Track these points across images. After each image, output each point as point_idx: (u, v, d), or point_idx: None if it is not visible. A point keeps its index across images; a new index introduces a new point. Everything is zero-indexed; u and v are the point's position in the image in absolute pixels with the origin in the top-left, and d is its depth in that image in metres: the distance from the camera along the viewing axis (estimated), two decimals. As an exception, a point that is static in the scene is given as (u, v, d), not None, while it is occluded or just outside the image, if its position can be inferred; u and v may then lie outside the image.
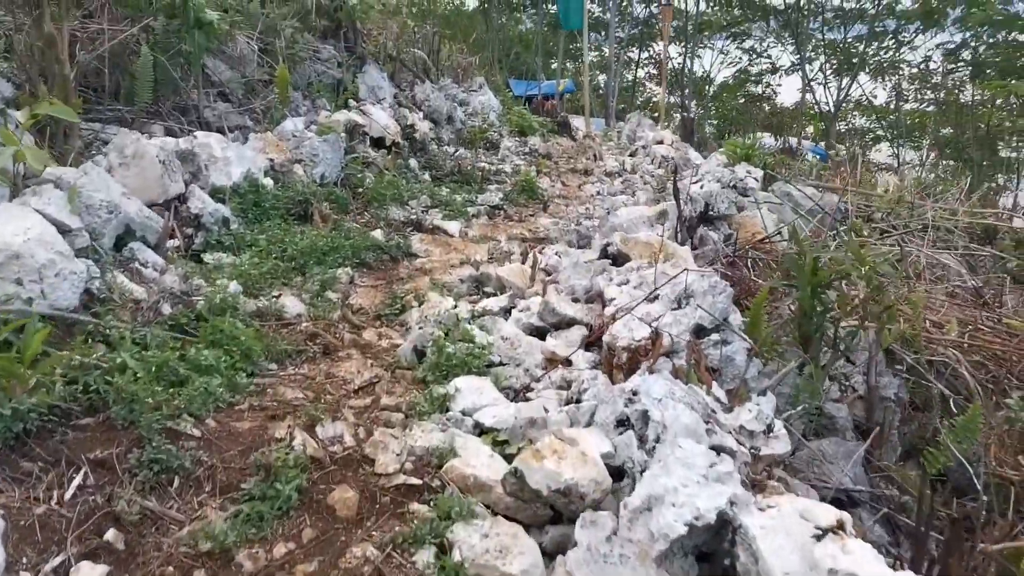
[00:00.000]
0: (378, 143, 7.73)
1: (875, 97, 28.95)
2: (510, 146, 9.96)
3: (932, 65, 26.57)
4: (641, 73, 33.33)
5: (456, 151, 8.99)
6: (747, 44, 28.68)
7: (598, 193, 8.43)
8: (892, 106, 29.28)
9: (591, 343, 3.82)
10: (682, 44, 29.61)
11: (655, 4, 27.55)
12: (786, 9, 25.13)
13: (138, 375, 2.89)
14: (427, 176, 7.97)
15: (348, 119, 7.28)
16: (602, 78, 30.28)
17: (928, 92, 28.84)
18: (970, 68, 26.19)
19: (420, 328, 3.94)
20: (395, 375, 3.55)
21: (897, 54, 25.69)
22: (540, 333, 3.93)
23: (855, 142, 33.10)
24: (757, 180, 7.20)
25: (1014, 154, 29.62)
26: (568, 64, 30.94)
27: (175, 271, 4.05)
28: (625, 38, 28.98)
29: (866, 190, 8.99)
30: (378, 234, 5.67)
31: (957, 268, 7.42)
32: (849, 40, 25.31)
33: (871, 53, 25.82)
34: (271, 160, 5.99)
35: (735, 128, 38.31)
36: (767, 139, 28.26)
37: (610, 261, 4.49)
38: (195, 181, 5.10)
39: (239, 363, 3.34)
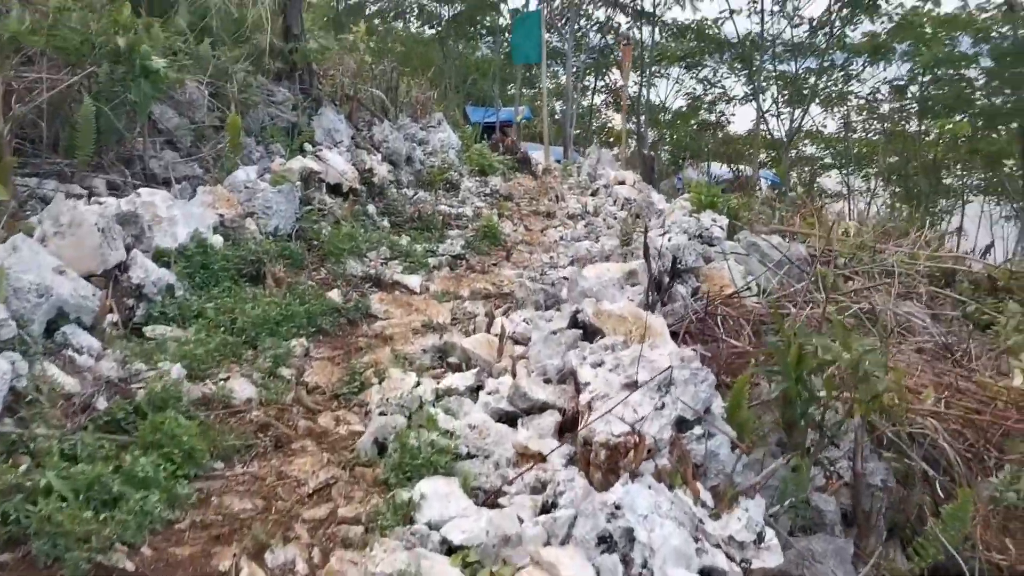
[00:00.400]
0: (335, 189, 7.42)
1: (825, 127, 29.32)
2: (471, 187, 9.70)
3: (880, 97, 27.03)
4: (597, 100, 33.48)
5: (415, 194, 8.72)
6: (701, 74, 28.86)
7: (561, 238, 8.21)
8: (841, 135, 29.75)
9: (565, 429, 3.57)
10: (638, 73, 29.75)
11: (611, 35, 27.63)
12: (739, 42, 25.33)
13: (65, 499, 2.56)
14: (386, 222, 7.67)
15: (303, 166, 6.97)
16: (558, 104, 30.30)
17: (875, 123, 29.37)
18: (916, 102, 26.74)
19: (380, 413, 3.65)
20: (354, 474, 3.25)
21: (846, 87, 26.04)
22: (510, 418, 3.66)
23: (806, 169, 33.57)
24: (723, 229, 7.04)
25: (958, 182, 30.41)
26: (524, 90, 30.89)
27: (113, 355, 3.71)
28: (581, 66, 28.98)
29: (827, 234, 8.90)
30: (335, 295, 5.36)
31: (922, 321, 7.32)
32: (800, 73, 25.56)
33: (821, 86, 26.14)
34: (221, 216, 5.65)
35: (690, 155, 38.71)
36: (723, 169, 28.53)
37: (581, 331, 4.24)
38: (138, 244, 4.76)
39: (181, 468, 3.01)
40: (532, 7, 25.80)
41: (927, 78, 24.79)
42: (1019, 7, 17.68)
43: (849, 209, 32.08)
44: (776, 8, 23.95)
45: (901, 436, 4.14)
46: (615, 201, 9.64)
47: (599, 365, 3.62)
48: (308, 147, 7.73)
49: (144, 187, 5.53)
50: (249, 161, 7.06)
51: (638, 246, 7.19)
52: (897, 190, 33.22)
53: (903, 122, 28.97)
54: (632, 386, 3.40)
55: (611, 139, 43.06)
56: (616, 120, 38.26)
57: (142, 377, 3.61)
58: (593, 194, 10.58)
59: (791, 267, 6.86)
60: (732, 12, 24.29)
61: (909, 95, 26.75)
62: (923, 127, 26.29)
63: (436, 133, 11.17)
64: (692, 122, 32.97)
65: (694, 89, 30.64)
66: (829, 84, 26.27)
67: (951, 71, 20.48)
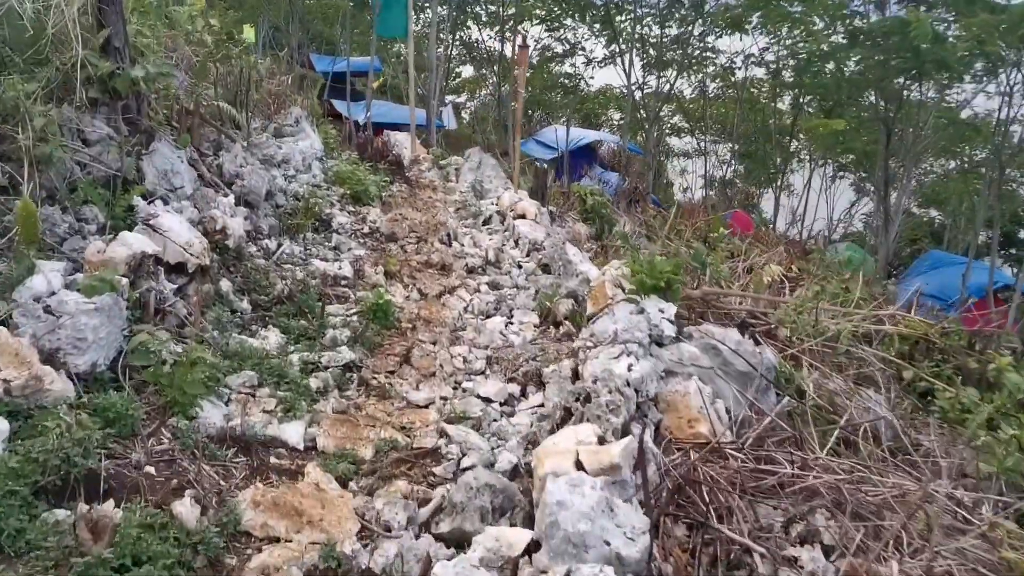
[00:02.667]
0: (178, 268, 5.49)
1: (682, 93, 28.65)
2: (344, 224, 7.86)
3: (735, 65, 26.59)
4: (453, 52, 31.44)
5: (279, 248, 6.85)
6: (561, 35, 27.38)
7: (466, 310, 6.61)
8: (698, 100, 29.33)
9: None
10: (496, 30, 28.01)
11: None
12: (603, 5, 23.95)
13: None
14: (247, 304, 5.83)
15: (131, 254, 4.98)
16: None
17: (730, 90, 29.06)
18: (770, 74, 26.48)
19: None
20: None
21: (704, 55, 25.37)
22: None
23: (658, 129, 33.04)
24: (672, 323, 5.70)
25: (803, 149, 30.96)
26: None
27: None
28: (441, 19, 26.74)
29: (762, 295, 7.78)
30: (185, 507, 3.57)
31: (884, 415, 6.33)
32: (663, 39, 24.51)
33: (683, 53, 25.30)
34: (5, 383, 3.71)
35: (542, 111, 37.49)
36: (582, 132, 27.48)
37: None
38: None
39: None
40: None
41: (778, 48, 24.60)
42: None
43: (706, 172, 32.32)
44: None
45: None
46: (516, 242, 8.07)
47: None
48: (139, 203, 5.71)
49: None
50: (54, 239, 5.03)
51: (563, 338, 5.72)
52: (738, 148, 33.55)
53: (754, 89, 28.82)
54: None
55: (460, 88, 41.27)
56: (467, 71, 36.30)
57: None
58: (485, 222, 8.97)
59: (759, 378, 5.60)
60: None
61: (764, 66, 26.45)
62: (781, 98, 26.30)
63: (297, 141, 9.18)
64: (545, 75, 31.35)
65: (551, 49, 29.20)
66: (689, 52, 25.40)
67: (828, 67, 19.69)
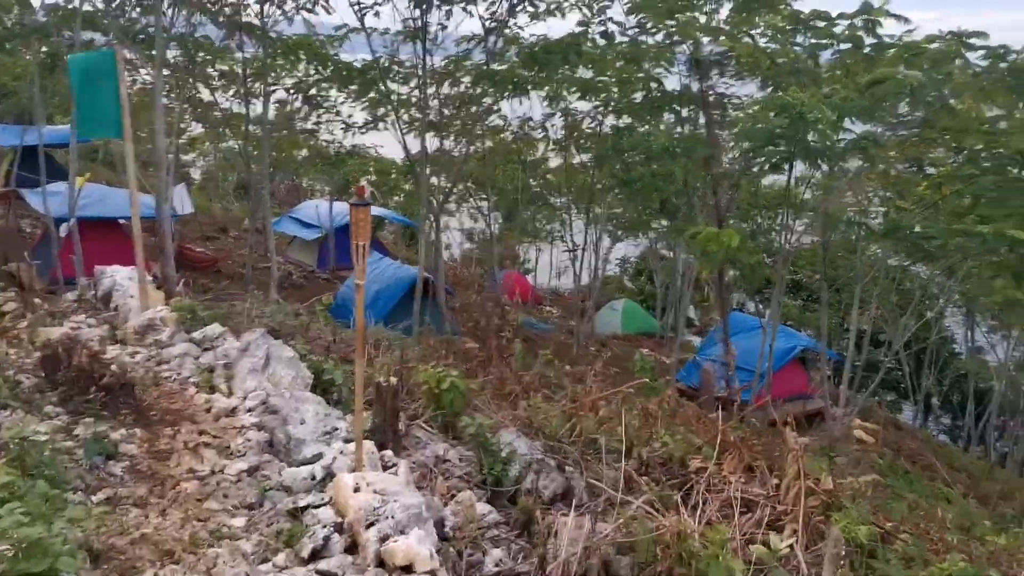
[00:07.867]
0: None
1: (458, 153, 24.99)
2: None
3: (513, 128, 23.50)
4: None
5: None
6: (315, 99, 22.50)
7: None
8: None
9: None
10: (233, 92, 22.63)
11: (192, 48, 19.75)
12: (365, 67, 19.52)
13: None
14: None
15: None
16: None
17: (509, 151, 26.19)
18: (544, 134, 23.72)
19: None
20: None
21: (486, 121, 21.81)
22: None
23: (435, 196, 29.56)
24: None
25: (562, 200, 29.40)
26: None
27: None
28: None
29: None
30: None
31: None
32: (430, 99, 20.39)
33: (456, 116, 21.61)
34: None
35: (288, 171, 32.90)
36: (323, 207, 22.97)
37: None
38: None
39: None
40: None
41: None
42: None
43: (489, 229, 29.69)
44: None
45: None
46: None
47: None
48: None
49: None
50: None
51: None
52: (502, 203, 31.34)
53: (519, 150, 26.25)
54: None
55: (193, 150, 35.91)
56: (197, 129, 30.25)
57: None
58: (315, 555, 4.30)
59: None
60: (367, 30, 18.26)
61: (541, 129, 23.51)
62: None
63: None
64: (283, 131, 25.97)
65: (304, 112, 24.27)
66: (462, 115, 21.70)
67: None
